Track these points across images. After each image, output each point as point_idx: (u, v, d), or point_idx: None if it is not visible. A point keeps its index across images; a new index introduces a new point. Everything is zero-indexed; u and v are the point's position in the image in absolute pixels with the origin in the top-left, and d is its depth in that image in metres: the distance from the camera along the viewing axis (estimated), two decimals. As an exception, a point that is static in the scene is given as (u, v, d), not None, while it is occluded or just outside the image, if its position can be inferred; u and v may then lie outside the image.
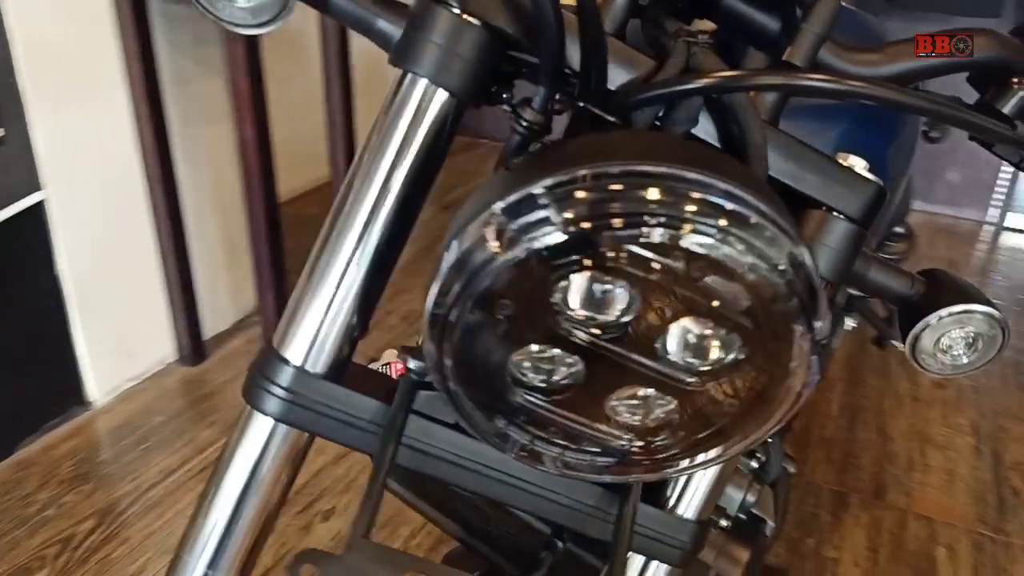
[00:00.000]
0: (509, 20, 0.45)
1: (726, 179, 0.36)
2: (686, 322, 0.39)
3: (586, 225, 0.35)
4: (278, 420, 0.49)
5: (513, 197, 0.37)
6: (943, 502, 1.63)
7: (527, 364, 0.42)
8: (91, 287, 1.74)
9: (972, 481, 1.69)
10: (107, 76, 1.66)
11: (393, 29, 0.47)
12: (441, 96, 0.46)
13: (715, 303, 0.38)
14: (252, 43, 1.54)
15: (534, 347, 0.41)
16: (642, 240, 0.36)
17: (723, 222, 0.36)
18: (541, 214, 0.36)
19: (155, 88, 1.69)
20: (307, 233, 1.88)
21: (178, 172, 1.79)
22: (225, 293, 2.11)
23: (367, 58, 2.62)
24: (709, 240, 0.35)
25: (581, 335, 0.40)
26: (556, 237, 0.36)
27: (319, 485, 1.62)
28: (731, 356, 0.40)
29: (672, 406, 0.42)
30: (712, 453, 0.43)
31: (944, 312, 0.49)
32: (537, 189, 0.37)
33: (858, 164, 0.47)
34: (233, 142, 2.01)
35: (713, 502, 0.53)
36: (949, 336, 0.51)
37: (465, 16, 0.45)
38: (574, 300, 0.38)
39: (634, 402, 0.43)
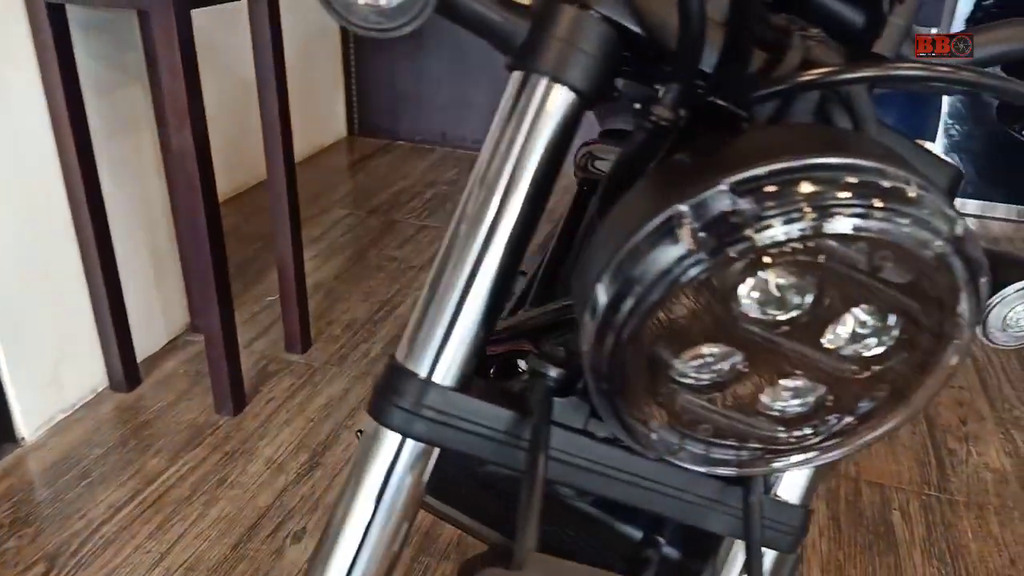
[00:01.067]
0: (636, 16, 0.45)
1: (901, 164, 0.37)
2: (857, 309, 0.40)
3: (782, 219, 0.36)
4: (411, 437, 0.47)
5: (703, 195, 0.37)
6: (890, 468, 1.73)
7: (690, 364, 0.41)
8: (12, 314, 1.60)
9: (912, 446, 1.80)
10: (21, 87, 1.53)
11: (517, 29, 0.45)
12: (566, 96, 0.45)
13: (887, 287, 0.39)
14: (188, 47, 1.46)
15: (705, 347, 0.40)
16: (834, 231, 0.36)
17: (904, 205, 0.36)
18: (738, 210, 0.36)
19: (77, 99, 1.57)
20: (231, 243, 1.78)
21: (103, 187, 1.68)
22: (156, 312, 1.99)
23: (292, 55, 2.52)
24: (891, 224, 0.36)
25: (752, 330, 0.40)
26: (758, 234, 0.36)
27: (284, 506, 1.55)
28: (894, 338, 0.41)
29: (825, 393, 0.43)
30: (861, 438, 0.44)
31: (1011, 289, 0.52)
32: (724, 186, 0.37)
33: (934, 148, 0.50)
34: (156, 153, 1.90)
35: (815, 487, 0.55)
36: (1015, 311, 0.54)
37: (593, 13, 0.44)
38: (755, 296, 0.39)
39: (789, 393, 0.43)
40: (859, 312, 0.40)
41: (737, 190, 0.36)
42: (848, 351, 0.41)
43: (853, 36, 0.51)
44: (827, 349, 0.41)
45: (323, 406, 1.85)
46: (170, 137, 1.60)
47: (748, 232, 0.35)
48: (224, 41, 2.48)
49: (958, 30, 0.55)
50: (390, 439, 0.47)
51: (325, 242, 2.64)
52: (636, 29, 0.45)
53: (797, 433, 0.44)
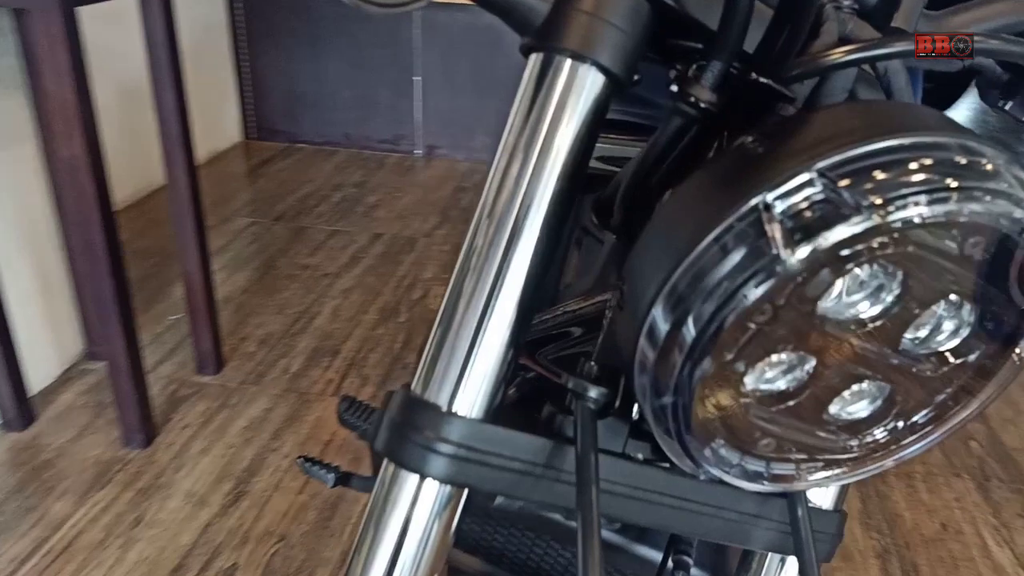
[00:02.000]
0: None
1: (975, 138, 0.34)
2: (943, 300, 0.36)
3: (887, 208, 0.31)
4: (435, 478, 0.40)
5: (791, 183, 0.32)
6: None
7: (762, 375, 0.37)
8: None
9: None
10: None
11: (540, 4, 0.39)
12: (596, 79, 0.40)
13: (972, 273, 0.35)
14: (75, 48, 1.31)
15: (780, 355, 0.36)
16: (933, 217, 0.32)
17: (987, 180, 0.33)
18: (833, 199, 0.32)
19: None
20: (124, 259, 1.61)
21: (-19, 204, 1.50)
22: (47, 340, 1.81)
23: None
24: (982, 204, 0.33)
25: (833, 332, 0.36)
26: (859, 225, 0.31)
27: (211, 542, 1.44)
28: (971, 329, 0.37)
29: (891, 395, 0.40)
30: (926, 438, 0.41)
31: None
32: (813, 172, 0.32)
33: None
34: (40, 165, 1.73)
35: (847, 489, 0.52)
36: None
37: None
38: (840, 295, 0.34)
39: (856, 398, 0.40)
40: (946, 301, 0.36)
41: (829, 175, 0.32)
42: (925, 347, 0.38)
43: (869, 11, 0.48)
44: (905, 347, 0.37)
45: (244, 429, 1.73)
46: (58, 148, 1.45)
47: (845, 224, 0.31)
48: (95, 41, 2.29)
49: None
50: (410, 482, 0.41)
51: (230, 253, 2.49)
52: (674, 2, 0.40)
53: (860, 441, 0.41)
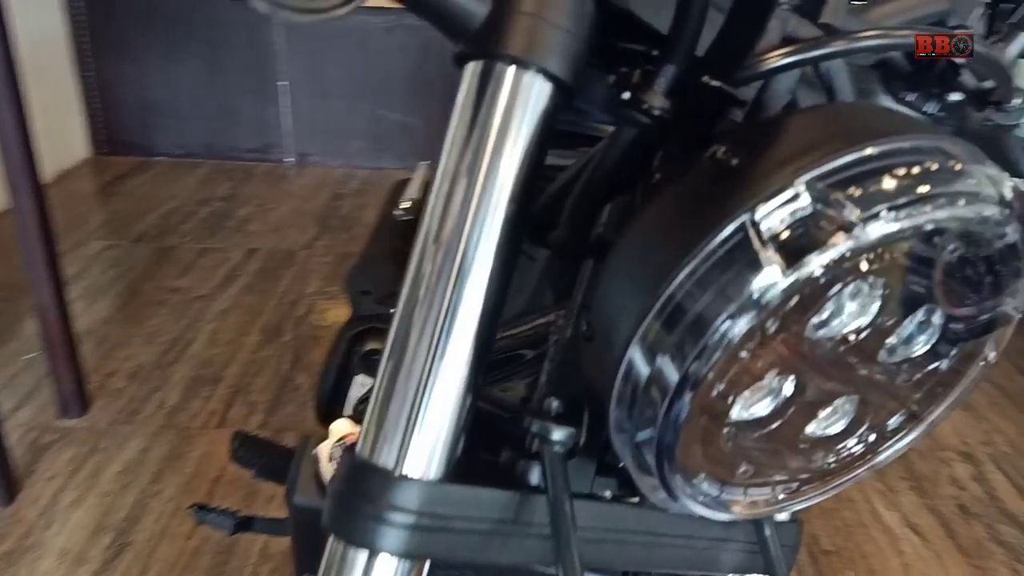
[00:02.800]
0: None
1: (955, 138, 0.33)
2: (922, 308, 0.35)
3: (879, 220, 0.29)
4: (388, 552, 0.35)
5: (777, 198, 0.29)
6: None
7: (746, 401, 0.34)
8: None
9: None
10: None
11: (478, 7, 0.35)
12: (543, 87, 0.35)
13: (951, 278, 0.34)
14: None
15: (762, 381, 0.33)
16: (925, 225, 0.30)
17: (958, 181, 0.32)
18: (823, 213, 0.29)
19: None
20: None
21: None
22: None
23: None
24: (959, 209, 0.31)
25: (816, 351, 0.33)
26: (854, 240, 0.29)
27: (92, 603, 1.30)
28: (941, 330, 0.36)
29: (865, 406, 0.38)
30: (899, 443, 0.40)
31: None
32: (800, 184, 0.30)
33: None
34: None
35: None
36: None
37: None
38: (835, 313, 0.32)
39: (833, 414, 0.38)
40: (927, 308, 0.34)
41: (817, 188, 0.29)
42: (899, 355, 0.36)
43: (798, 7, 0.47)
44: (881, 357, 0.35)
45: (119, 474, 1.58)
46: None
47: (842, 239, 0.29)
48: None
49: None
50: (360, 559, 0.35)
51: (86, 281, 2.28)
52: (620, 1, 0.36)
53: (836, 456, 0.39)
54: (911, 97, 0.59)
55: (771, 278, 0.28)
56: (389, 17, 2.89)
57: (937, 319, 0.36)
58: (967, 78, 0.57)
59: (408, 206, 1.52)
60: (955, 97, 0.60)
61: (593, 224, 0.41)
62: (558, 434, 0.37)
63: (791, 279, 0.29)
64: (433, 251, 0.36)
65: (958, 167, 0.31)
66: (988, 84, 0.56)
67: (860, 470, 0.40)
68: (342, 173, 3.11)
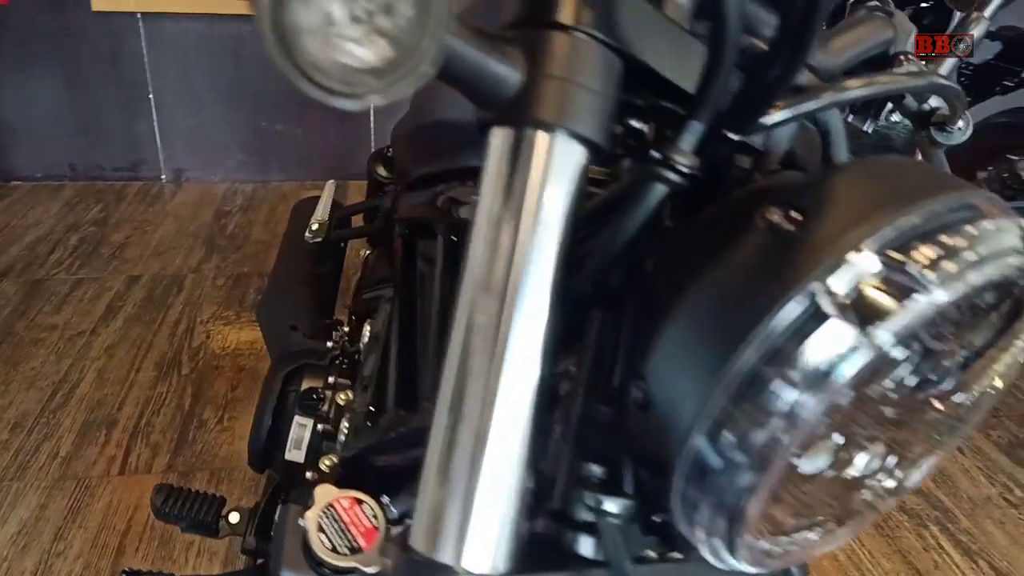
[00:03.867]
0: (647, 45, 0.35)
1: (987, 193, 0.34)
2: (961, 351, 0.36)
3: (947, 279, 0.30)
4: None
5: (847, 263, 0.30)
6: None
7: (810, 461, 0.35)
8: None
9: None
10: None
11: (511, 74, 0.33)
12: (577, 150, 0.34)
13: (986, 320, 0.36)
14: None
15: (834, 437, 0.34)
16: (986, 280, 0.31)
17: (1013, 238, 0.33)
18: (893, 278, 0.30)
19: None
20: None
21: None
22: None
23: None
24: (1014, 260, 0.33)
25: (872, 405, 0.34)
26: (927, 301, 0.29)
27: None
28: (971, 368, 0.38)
29: (902, 441, 0.39)
30: (922, 471, 0.42)
31: None
32: (869, 249, 0.30)
33: None
34: None
35: None
36: None
37: (589, 37, 0.34)
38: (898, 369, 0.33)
39: (877, 453, 0.39)
40: (965, 350, 0.36)
41: (887, 253, 0.30)
42: (931, 393, 0.38)
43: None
44: (931, 397, 0.37)
45: (15, 536, 1.44)
46: None
47: (918, 301, 0.29)
48: None
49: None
50: None
51: (-53, 324, 2.07)
52: (645, 59, 0.35)
53: (873, 491, 0.40)
54: (851, 118, 0.62)
55: (849, 345, 0.29)
56: (264, 24, 2.77)
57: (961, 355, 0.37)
58: (909, 101, 0.61)
59: (318, 228, 1.47)
60: (895, 118, 0.63)
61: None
62: (614, 506, 0.36)
63: (870, 345, 0.29)
64: (477, 331, 0.34)
65: (997, 223, 0.33)
66: (928, 107, 0.60)
67: (890, 501, 0.41)
68: (224, 189, 2.96)
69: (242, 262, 2.45)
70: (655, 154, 0.36)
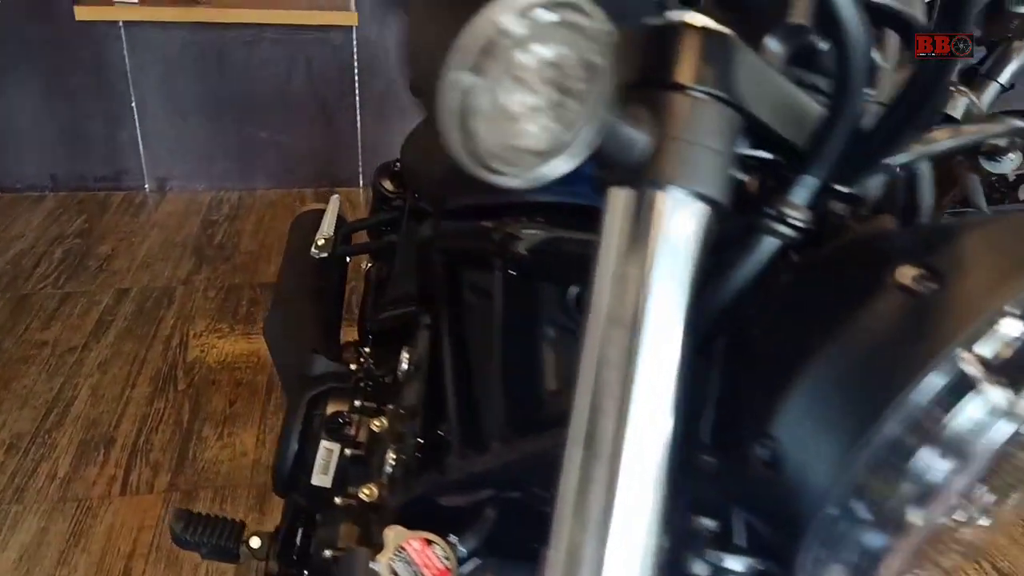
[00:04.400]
0: (762, 101, 0.36)
1: None
2: None
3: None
4: None
5: (996, 327, 0.30)
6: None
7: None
8: None
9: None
10: None
11: (639, 137, 0.33)
12: (701, 210, 0.35)
13: None
14: None
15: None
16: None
17: None
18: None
19: None
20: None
21: None
22: None
23: None
24: None
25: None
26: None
27: None
28: None
29: None
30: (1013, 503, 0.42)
31: None
32: (1012, 313, 0.30)
33: None
34: None
35: None
36: None
37: (711, 97, 0.34)
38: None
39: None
40: None
41: None
42: None
43: None
44: None
45: (17, 562, 1.42)
46: None
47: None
48: None
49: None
50: None
51: (-68, 343, 2.02)
52: (761, 116, 0.36)
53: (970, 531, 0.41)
54: None
55: (998, 411, 0.29)
56: (246, 31, 2.74)
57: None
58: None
59: (324, 243, 1.45)
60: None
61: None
62: (738, 564, 0.36)
63: (1021, 409, 0.29)
64: (604, 398, 0.34)
65: None
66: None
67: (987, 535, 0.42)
68: (210, 197, 2.92)
69: (233, 273, 2.42)
70: (769, 209, 0.36)
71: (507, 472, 0.53)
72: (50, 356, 1.99)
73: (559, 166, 0.28)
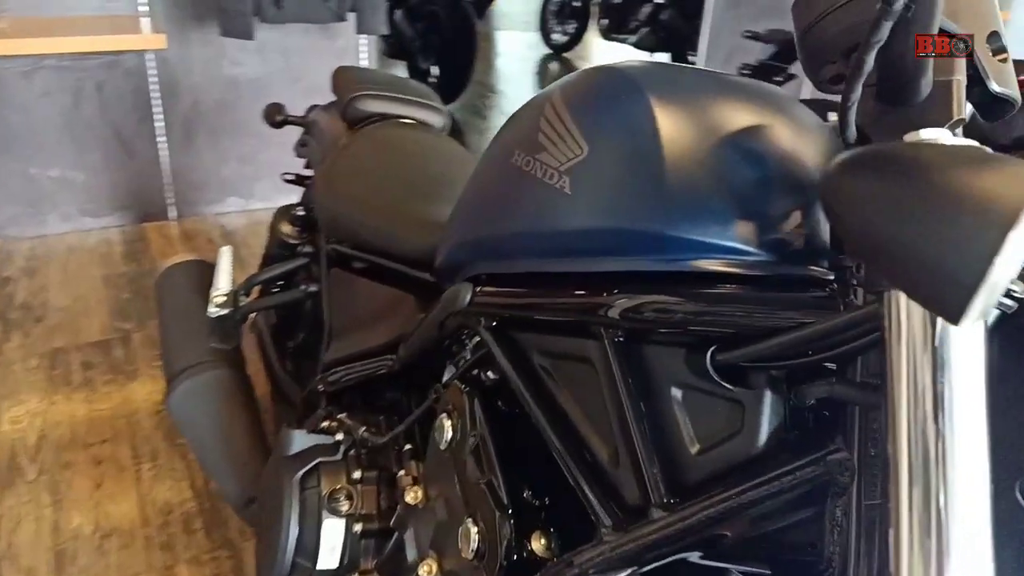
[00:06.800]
0: None
1: None
2: None
3: None
4: None
5: None
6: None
7: None
8: None
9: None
10: None
11: None
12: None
13: None
14: None
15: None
16: None
17: None
18: None
19: None
20: None
21: None
22: None
23: None
24: None
25: None
26: None
27: None
28: None
29: None
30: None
31: None
32: None
33: None
34: None
35: None
36: None
37: None
38: None
39: None
40: None
41: None
42: None
43: None
44: None
45: None
46: None
47: None
48: None
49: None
50: None
51: None
52: None
53: None
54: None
55: None
56: (24, 61, 2.40)
57: None
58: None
59: (224, 300, 1.34)
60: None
61: None
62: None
63: None
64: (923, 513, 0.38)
65: None
66: None
67: None
68: (-9, 249, 2.54)
69: (50, 336, 2.13)
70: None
71: (682, 537, 0.54)
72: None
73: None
